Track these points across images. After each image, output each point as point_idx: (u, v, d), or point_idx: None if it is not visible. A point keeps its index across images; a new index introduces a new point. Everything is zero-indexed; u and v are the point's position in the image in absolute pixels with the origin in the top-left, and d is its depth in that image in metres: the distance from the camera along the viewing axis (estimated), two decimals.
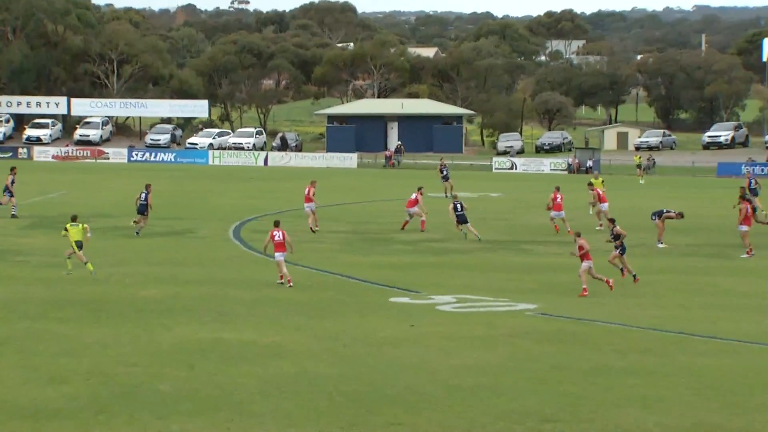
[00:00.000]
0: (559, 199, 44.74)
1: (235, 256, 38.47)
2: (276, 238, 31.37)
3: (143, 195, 42.04)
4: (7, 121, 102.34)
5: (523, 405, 19.44)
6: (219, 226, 46.40)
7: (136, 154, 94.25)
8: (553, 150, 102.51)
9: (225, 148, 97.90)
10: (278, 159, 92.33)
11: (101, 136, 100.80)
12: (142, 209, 41.93)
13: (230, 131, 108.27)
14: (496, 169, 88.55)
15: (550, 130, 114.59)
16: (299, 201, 46.46)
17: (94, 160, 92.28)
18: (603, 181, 50.53)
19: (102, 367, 21.64)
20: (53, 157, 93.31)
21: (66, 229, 33.43)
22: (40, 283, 31.49)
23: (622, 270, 33.16)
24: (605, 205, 45.64)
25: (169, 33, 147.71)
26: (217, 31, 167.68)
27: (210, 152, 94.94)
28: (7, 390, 19.82)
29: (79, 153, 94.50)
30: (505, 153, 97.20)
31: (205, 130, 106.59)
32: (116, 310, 27.67)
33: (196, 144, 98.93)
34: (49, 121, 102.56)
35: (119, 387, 20.24)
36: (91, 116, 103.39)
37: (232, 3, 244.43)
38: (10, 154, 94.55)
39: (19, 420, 18.07)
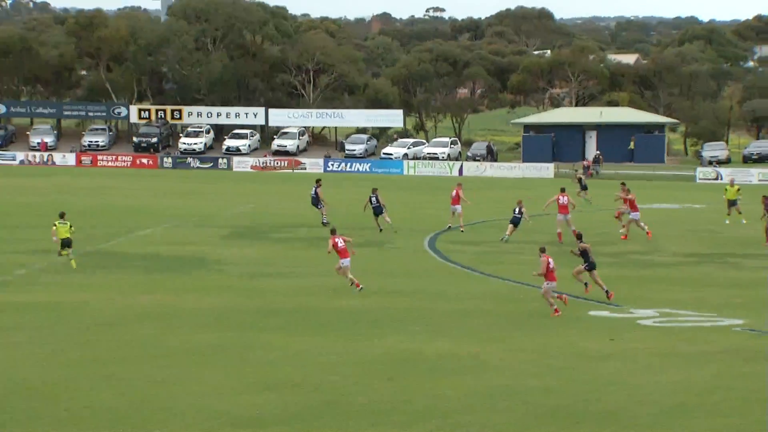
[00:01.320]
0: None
1: (432, 267, 39.14)
2: (339, 245, 32.41)
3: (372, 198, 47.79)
4: (207, 131, 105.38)
5: (733, 425, 19.41)
6: (414, 236, 47.13)
7: (332, 164, 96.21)
8: (762, 160, 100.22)
9: (420, 158, 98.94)
10: (473, 169, 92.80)
11: (298, 146, 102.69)
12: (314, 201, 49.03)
13: (425, 141, 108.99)
14: (700, 179, 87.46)
15: (758, 138, 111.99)
16: (494, 211, 46.86)
17: (291, 170, 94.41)
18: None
19: (311, 376, 22.46)
20: (252, 167, 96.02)
21: (55, 226, 35.57)
22: (248, 293, 32.68)
23: (586, 285, 32.53)
24: None
25: (364, 42, 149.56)
26: (412, 39, 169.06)
27: (405, 162, 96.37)
28: (222, 398, 20.69)
29: (277, 163, 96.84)
30: (710, 163, 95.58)
31: (399, 140, 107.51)
32: (324, 319, 28.59)
33: (391, 154, 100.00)
34: (247, 131, 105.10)
35: (329, 395, 20.98)
36: (288, 127, 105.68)
37: (427, 11, 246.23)
38: (211, 164, 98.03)
39: (235, 428, 18.83)
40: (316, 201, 50.27)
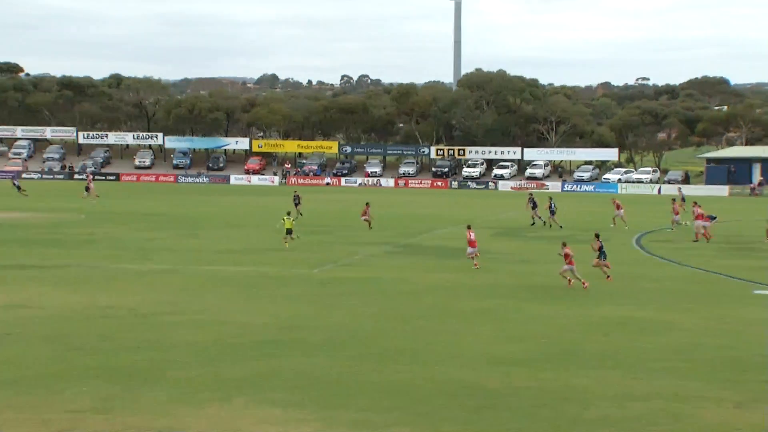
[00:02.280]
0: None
1: (637, 258, 37.54)
2: (471, 236, 32.31)
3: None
4: (482, 164, 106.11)
5: None
6: (624, 236, 45.49)
7: (567, 186, 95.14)
8: None
9: (630, 182, 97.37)
10: (670, 189, 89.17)
11: (543, 173, 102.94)
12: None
13: (633, 169, 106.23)
14: None
15: None
16: (686, 217, 44.41)
17: (538, 189, 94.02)
18: None
19: (548, 331, 21.81)
20: (511, 188, 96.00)
21: (283, 219, 37.16)
22: (509, 274, 32.10)
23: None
24: None
25: (591, 101, 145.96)
26: (625, 99, 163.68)
27: (618, 184, 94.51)
28: (484, 344, 20.34)
29: (528, 185, 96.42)
30: None
31: (615, 169, 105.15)
32: (558, 293, 27.80)
33: (609, 179, 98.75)
34: (509, 163, 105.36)
35: (564, 346, 20.31)
36: (536, 160, 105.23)
37: (636, 80, 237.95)
38: (484, 186, 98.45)
39: (494, 365, 18.45)
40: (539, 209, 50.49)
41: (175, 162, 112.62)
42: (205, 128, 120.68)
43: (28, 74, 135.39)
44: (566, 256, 28.22)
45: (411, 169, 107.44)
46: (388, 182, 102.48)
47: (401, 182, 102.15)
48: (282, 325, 22.16)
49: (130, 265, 32.30)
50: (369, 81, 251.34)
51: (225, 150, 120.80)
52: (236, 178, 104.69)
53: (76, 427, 14.01)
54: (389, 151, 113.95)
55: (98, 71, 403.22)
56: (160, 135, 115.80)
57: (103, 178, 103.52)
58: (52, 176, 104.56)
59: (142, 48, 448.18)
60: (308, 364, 18.12)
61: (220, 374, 17.25)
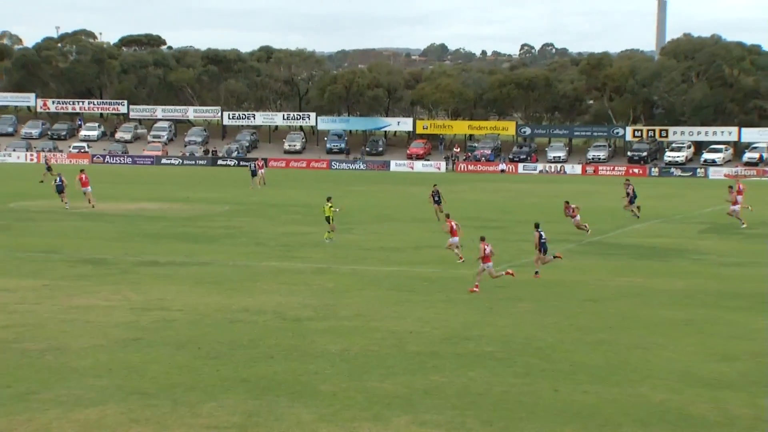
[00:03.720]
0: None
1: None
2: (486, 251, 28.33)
3: None
4: (688, 147, 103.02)
5: None
6: None
7: None
8: None
9: None
10: None
11: (761, 158, 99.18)
12: None
13: None
14: None
15: None
16: None
17: (759, 178, 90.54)
18: None
19: (765, 349, 20.90)
20: (724, 175, 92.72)
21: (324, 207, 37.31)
22: (715, 278, 31.06)
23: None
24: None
25: None
26: None
27: None
28: (689, 363, 19.72)
29: (746, 172, 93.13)
30: None
31: None
32: None
33: None
34: (721, 146, 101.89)
35: None
36: (757, 142, 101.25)
37: None
38: (690, 173, 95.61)
39: (699, 388, 17.86)
40: None
41: (328, 146, 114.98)
42: (363, 107, 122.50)
43: (170, 47, 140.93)
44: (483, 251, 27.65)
45: (602, 154, 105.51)
46: (573, 169, 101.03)
47: (589, 169, 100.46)
48: (441, 334, 22.17)
49: (273, 263, 33.17)
50: (553, 51, 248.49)
51: (385, 132, 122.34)
52: (397, 164, 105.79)
53: None
54: (576, 133, 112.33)
55: (246, 44, 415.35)
56: (313, 115, 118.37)
57: (248, 164, 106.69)
58: (193, 161, 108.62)
59: (295, 17, 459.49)
60: (472, 380, 18.05)
61: (370, 389, 17.42)
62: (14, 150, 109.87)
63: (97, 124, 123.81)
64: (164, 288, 27.82)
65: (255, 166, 73.93)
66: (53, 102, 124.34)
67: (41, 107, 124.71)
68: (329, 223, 39.35)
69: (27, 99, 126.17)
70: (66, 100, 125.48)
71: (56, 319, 23.14)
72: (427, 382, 17.89)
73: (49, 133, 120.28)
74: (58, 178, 52.96)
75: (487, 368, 18.97)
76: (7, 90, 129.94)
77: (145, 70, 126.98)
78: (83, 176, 52.45)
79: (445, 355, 20.16)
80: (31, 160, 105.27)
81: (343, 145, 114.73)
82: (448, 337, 21.81)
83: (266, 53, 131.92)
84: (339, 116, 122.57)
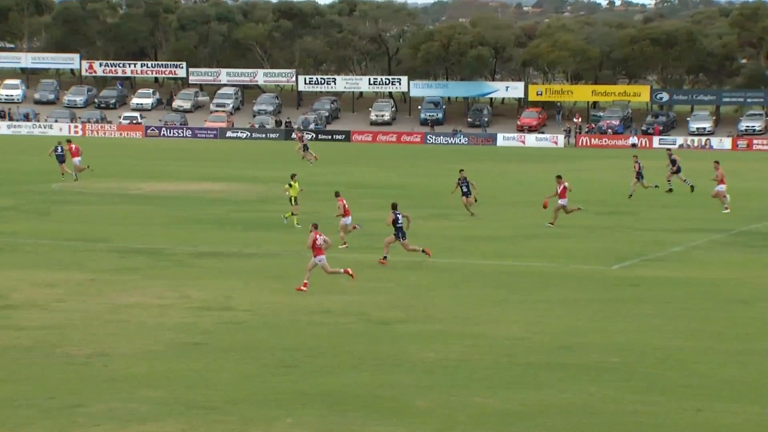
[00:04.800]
0: None
1: None
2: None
3: None
4: None
5: None
6: None
7: None
8: None
9: None
10: None
11: None
12: None
13: None
14: None
15: None
16: None
17: None
18: None
19: None
20: None
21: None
22: None
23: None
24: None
25: None
26: None
27: None
28: None
29: None
30: None
31: None
32: None
33: None
34: None
35: None
36: None
37: None
38: None
39: None
40: None
41: (422, 116, 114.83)
42: (465, 70, 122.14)
43: (235, 0, 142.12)
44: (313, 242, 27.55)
45: (757, 124, 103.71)
46: (722, 143, 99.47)
47: (741, 143, 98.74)
48: (553, 342, 22.11)
49: (354, 255, 33.34)
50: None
51: (491, 99, 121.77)
52: (505, 138, 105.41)
53: None
54: (725, 99, 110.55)
55: None
56: (404, 79, 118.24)
57: (329, 137, 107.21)
58: (264, 135, 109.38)
59: None
60: (589, 397, 17.99)
61: (475, 406, 17.46)
62: (56, 120, 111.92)
63: (151, 91, 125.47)
64: (229, 284, 28.19)
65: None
66: (100, 64, 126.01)
67: (87, 70, 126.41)
68: (292, 204, 39.56)
69: (70, 61, 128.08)
70: (115, 62, 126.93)
71: (104, 320, 23.65)
72: (540, 399, 17.86)
73: (96, 100, 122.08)
74: (58, 147, 56.16)
75: (610, 384, 18.87)
76: (48, 50, 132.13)
77: (206, 26, 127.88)
78: (72, 146, 56.41)
79: (558, 366, 20.10)
80: (76, 132, 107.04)
81: (440, 115, 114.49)
82: (563, 346, 21.72)
83: (349, 5, 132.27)
84: (435, 81, 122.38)
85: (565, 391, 18.35)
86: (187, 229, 39.21)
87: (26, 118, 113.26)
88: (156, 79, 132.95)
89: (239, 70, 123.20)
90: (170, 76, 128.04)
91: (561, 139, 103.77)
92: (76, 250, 33.82)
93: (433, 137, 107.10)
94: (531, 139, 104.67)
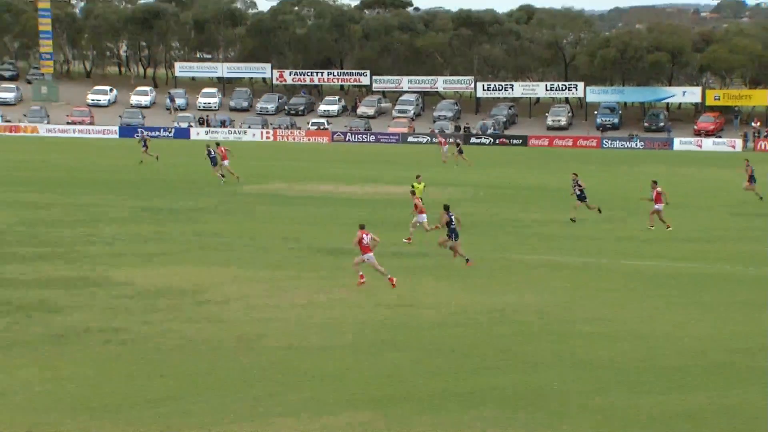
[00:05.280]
0: None
1: None
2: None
3: None
4: None
5: None
6: None
7: None
8: None
9: None
10: None
11: None
12: None
13: None
14: None
15: None
16: None
17: None
18: None
19: None
20: None
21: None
22: None
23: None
24: None
25: None
26: None
27: None
28: None
29: None
30: None
31: None
32: None
33: None
34: None
35: None
36: None
37: None
38: None
39: None
40: None
41: (598, 120, 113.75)
42: (641, 75, 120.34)
43: (417, 9, 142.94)
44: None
45: None
46: None
47: None
48: (733, 345, 21.84)
49: (527, 256, 33.50)
50: None
51: (667, 104, 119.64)
52: (682, 142, 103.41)
53: None
54: None
55: (503, 3, 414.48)
56: (580, 85, 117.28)
57: (507, 142, 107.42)
58: (444, 139, 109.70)
59: None
60: (745, 401, 17.79)
61: (650, 406, 17.46)
62: (249, 126, 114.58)
63: (337, 98, 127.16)
64: (412, 283, 28.63)
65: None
66: (290, 73, 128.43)
67: (277, 79, 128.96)
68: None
69: (262, 70, 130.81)
70: (303, 71, 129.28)
71: (298, 316, 24.37)
72: (727, 404, 17.71)
73: (285, 108, 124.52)
74: (210, 151, 58.74)
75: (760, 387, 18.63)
76: (242, 60, 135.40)
77: (389, 36, 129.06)
78: (222, 149, 58.67)
79: (741, 369, 19.89)
80: (267, 137, 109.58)
81: (616, 120, 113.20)
82: (748, 349, 21.44)
83: (526, 14, 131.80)
84: (612, 86, 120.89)
85: (746, 396, 18.14)
86: (373, 230, 39.74)
87: (222, 124, 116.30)
88: (341, 86, 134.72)
89: (420, 78, 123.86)
90: (355, 83, 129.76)
91: (739, 142, 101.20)
92: (272, 249, 34.65)
93: (609, 141, 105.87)
94: (708, 143, 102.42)
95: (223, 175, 57.43)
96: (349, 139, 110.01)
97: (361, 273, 28.21)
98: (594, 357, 20.71)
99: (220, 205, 46.81)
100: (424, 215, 36.38)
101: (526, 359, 20.58)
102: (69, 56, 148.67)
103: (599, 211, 42.35)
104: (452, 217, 31.66)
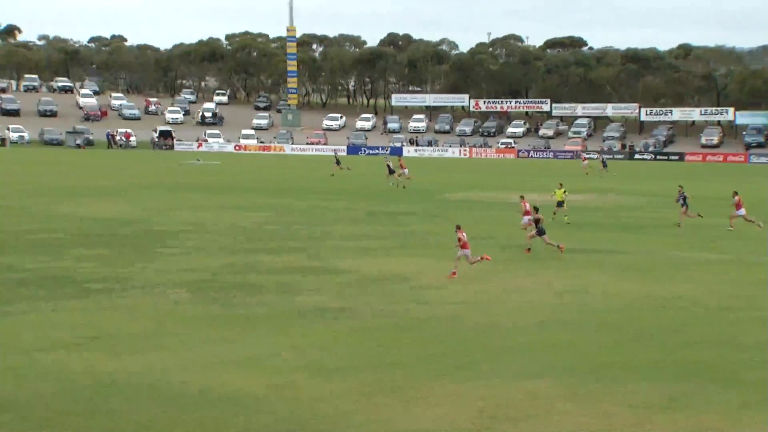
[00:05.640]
0: None
1: None
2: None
3: None
4: None
5: None
6: None
7: None
8: None
9: None
10: None
11: None
12: None
13: None
14: None
15: None
16: None
17: None
18: None
19: None
20: None
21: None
22: None
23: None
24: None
25: None
26: None
27: None
28: None
29: None
30: None
31: None
32: None
33: None
34: None
35: None
36: None
37: None
38: None
39: None
40: None
41: (746, 140, 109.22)
42: None
43: (590, 48, 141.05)
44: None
45: None
46: None
47: None
48: None
49: (692, 253, 32.10)
50: None
51: None
52: None
53: (640, 423, 14.24)
54: None
55: (665, 42, 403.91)
56: (731, 110, 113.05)
57: (666, 158, 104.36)
58: (611, 156, 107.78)
59: (714, 13, 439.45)
60: None
61: None
62: (450, 146, 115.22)
63: (522, 122, 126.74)
64: (589, 274, 27.85)
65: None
66: (484, 101, 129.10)
67: (473, 107, 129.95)
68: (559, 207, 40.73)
69: (461, 99, 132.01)
70: (494, 99, 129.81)
71: (493, 299, 23.96)
72: None
73: (480, 130, 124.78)
74: (389, 165, 61.40)
75: None
76: (444, 91, 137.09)
77: (567, 70, 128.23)
78: (402, 162, 60.82)
79: None
80: (463, 154, 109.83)
81: (761, 139, 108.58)
82: None
83: (684, 50, 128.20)
84: (759, 110, 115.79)
85: None
86: (555, 230, 39.05)
87: (429, 144, 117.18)
88: (526, 112, 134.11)
89: (592, 105, 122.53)
90: (537, 110, 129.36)
91: None
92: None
93: (756, 157, 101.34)
94: None
95: (401, 184, 58.08)
96: (531, 156, 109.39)
97: (455, 270, 27.15)
98: (759, 338, 19.53)
99: (426, 210, 46.82)
100: (527, 217, 34.73)
101: (695, 337, 19.58)
102: (309, 90, 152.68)
103: (700, 216, 40.37)
104: (539, 217, 31.66)
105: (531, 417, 14.44)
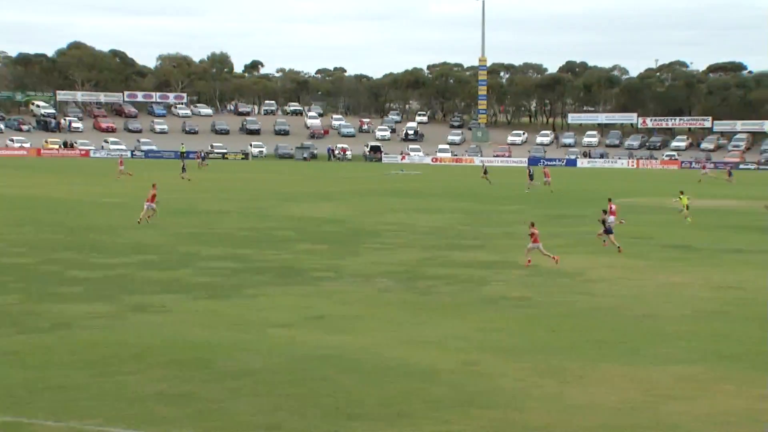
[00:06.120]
0: None
1: None
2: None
3: None
4: None
5: None
6: None
7: None
8: None
9: None
10: None
11: None
12: None
13: None
14: None
15: None
16: None
17: None
18: None
19: None
20: None
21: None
22: None
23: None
24: None
25: None
26: None
27: None
28: None
29: None
30: None
31: None
32: None
33: None
34: None
35: None
36: None
37: None
38: None
39: None
40: None
41: None
42: None
43: (750, 72, 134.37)
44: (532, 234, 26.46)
45: None
46: None
47: None
48: None
49: None
50: None
51: None
52: None
53: None
54: None
55: None
56: None
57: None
58: (766, 167, 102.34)
59: None
60: None
61: None
62: (619, 158, 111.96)
63: (685, 137, 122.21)
64: (744, 272, 26.44)
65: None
66: (650, 119, 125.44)
67: (641, 124, 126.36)
68: (686, 210, 39.14)
69: (630, 118, 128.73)
70: (660, 117, 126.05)
71: (652, 293, 23.20)
72: None
73: (646, 144, 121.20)
74: (530, 171, 63.48)
75: None
76: (614, 111, 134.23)
77: (727, 92, 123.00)
78: (546, 171, 63.46)
79: None
80: (632, 166, 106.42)
81: None
82: None
83: None
84: None
85: None
86: (716, 232, 37.27)
87: (600, 156, 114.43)
88: (689, 129, 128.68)
89: (750, 122, 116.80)
90: (698, 126, 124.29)
91: None
92: (632, 244, 33.21)
93: None
94: None
95: (540, 190, 58.54)
96: (693, 167, 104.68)
97: (529, 258, 27.05)
98: None
99: (596, 213, 45.55)
100: (613, 217, 32.69)
101: None
102: (496, 111, 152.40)
103: None
104: (607, 218, 31.06)
105: (695, 397, 13.93)
